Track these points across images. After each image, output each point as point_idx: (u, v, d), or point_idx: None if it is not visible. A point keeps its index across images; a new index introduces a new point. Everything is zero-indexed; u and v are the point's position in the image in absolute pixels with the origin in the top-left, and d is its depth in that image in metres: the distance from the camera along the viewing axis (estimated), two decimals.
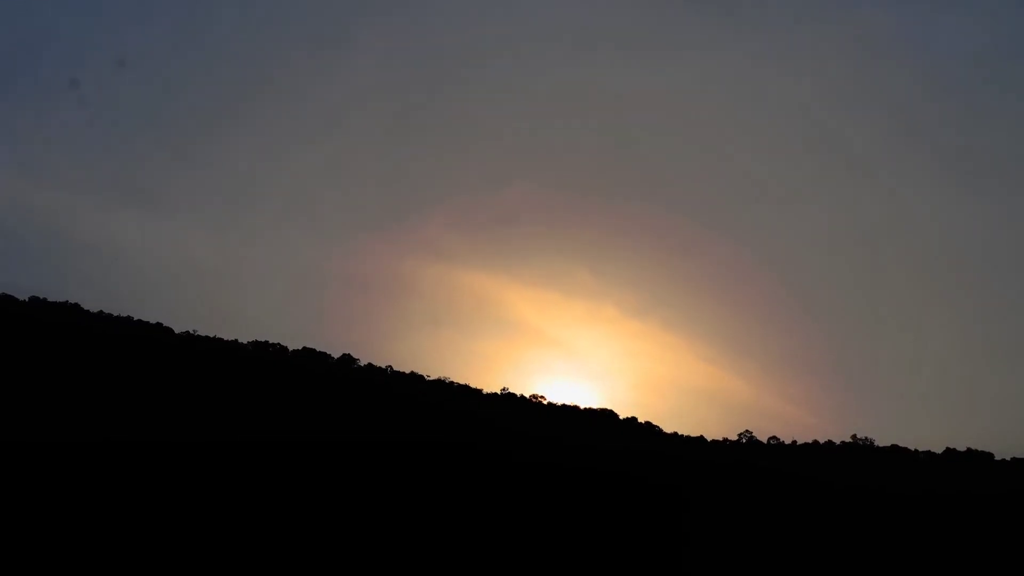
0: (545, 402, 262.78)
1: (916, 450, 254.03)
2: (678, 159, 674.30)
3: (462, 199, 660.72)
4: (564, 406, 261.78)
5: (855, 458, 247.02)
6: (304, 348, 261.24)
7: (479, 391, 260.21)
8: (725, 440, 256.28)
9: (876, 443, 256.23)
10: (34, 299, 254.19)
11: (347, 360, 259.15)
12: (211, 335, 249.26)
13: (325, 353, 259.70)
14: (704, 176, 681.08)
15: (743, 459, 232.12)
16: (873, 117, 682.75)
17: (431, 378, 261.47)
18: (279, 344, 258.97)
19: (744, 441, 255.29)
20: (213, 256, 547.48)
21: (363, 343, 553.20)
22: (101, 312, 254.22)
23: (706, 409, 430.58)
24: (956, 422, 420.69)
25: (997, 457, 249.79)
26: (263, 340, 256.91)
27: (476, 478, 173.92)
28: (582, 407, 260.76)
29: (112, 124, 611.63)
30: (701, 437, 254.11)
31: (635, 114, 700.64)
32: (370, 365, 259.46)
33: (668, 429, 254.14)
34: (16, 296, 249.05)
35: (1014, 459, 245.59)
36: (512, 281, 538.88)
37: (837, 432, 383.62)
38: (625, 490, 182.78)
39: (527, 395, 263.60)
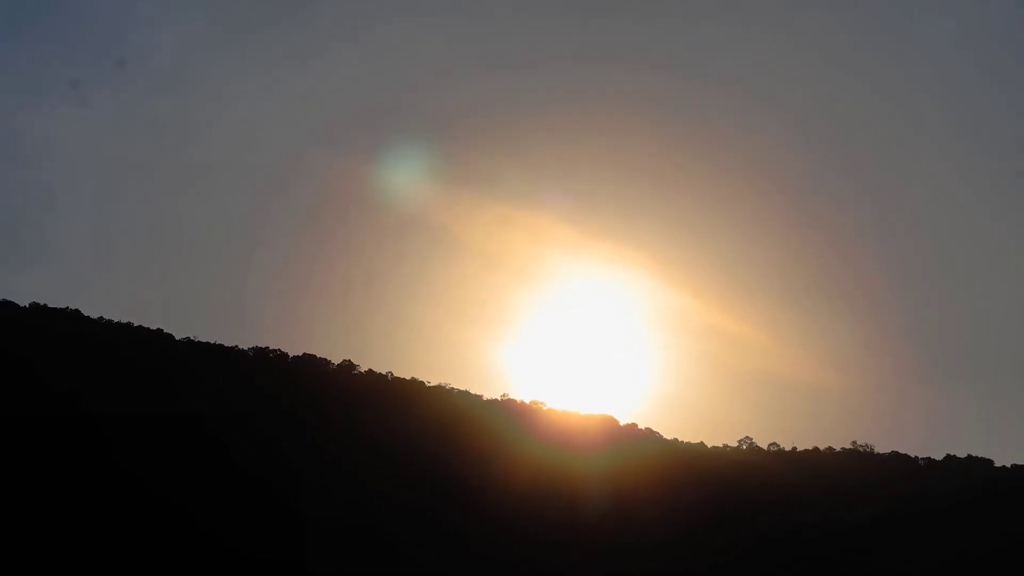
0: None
1: (916, 457, 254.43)
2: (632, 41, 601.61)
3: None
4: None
5: (855, 464, 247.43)
6: None
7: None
8: (725, 446, 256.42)
9: (876, 450, 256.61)
10: (34, 305, 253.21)
11: None
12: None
13: None
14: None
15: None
16: None
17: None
18: None
19: (744, 447, 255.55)
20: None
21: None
22: (101, 318, 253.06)
23: (660, 334, 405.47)
24: (955, 427, 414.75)
25: (996, 463, 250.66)
26: None
27: None
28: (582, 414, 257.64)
29: None
30: (701, 443, 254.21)
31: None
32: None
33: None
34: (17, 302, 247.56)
35: (1014, 466, 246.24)
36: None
37: (797, 355, 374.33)
38: None
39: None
